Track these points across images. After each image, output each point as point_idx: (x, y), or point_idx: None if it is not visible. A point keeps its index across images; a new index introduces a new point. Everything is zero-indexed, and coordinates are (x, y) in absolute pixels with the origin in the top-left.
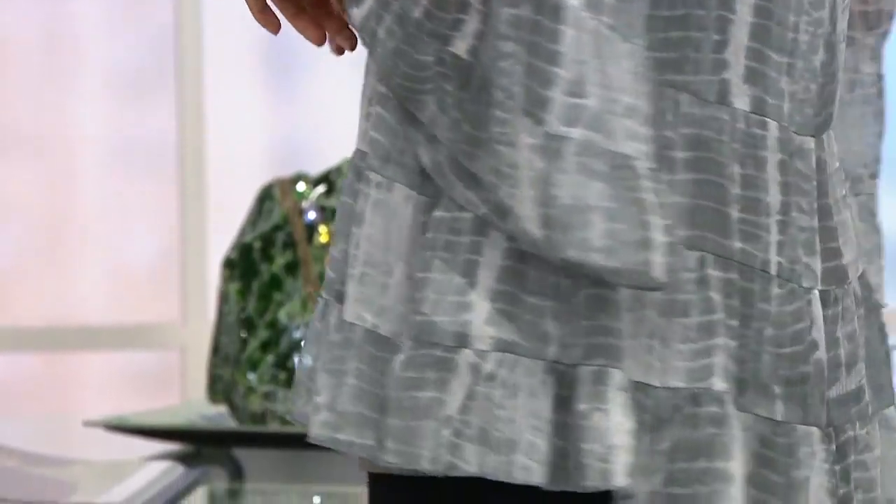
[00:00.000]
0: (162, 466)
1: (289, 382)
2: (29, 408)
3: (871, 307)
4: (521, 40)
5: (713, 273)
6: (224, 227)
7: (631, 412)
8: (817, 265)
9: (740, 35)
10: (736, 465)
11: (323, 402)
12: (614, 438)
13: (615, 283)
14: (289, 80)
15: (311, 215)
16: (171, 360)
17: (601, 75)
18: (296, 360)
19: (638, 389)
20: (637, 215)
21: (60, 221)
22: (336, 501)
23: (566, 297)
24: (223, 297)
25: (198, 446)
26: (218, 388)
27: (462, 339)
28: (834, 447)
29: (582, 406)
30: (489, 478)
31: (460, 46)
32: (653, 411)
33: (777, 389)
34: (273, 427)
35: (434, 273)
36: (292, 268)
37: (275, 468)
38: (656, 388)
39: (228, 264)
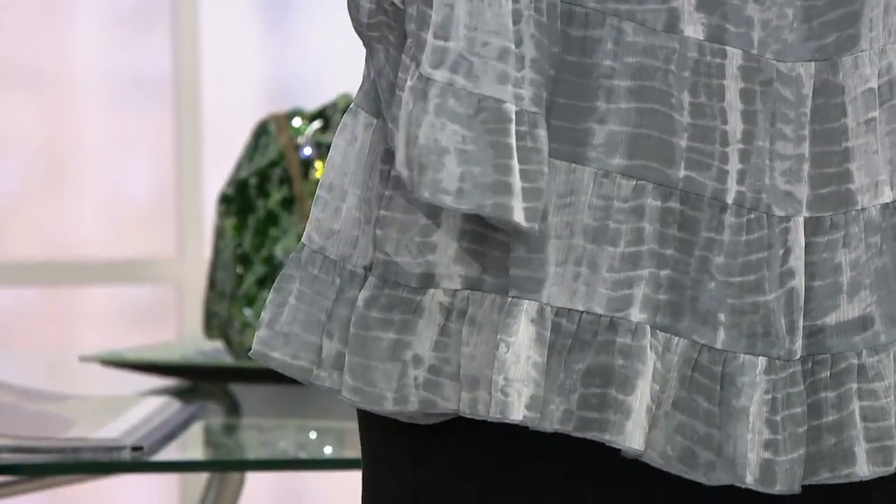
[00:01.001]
0: (158, 402)
1: None
2: (25, 342)
3: None
4: None
5: (650, 202)
6: (220, 162)
7: (539, 345)
8: (802, 192)
9: None
10: (635, 398)
11: (265, 319)
12: (512, 371)
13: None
14: (285, 16)
15: (307, 151)
16: (167, 295)
17: (471, 17)
18: None
19: (561, 315)
20: (493, 159)
21: (57, 156)
22: (332, 436)
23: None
24: (219, 233)
25: (194, 382)
26: (214, 324)
27: (427, 280)
28: (827, 374)
29: (497, 337)
30: (462, 414)
31: None
32: (576, 335)
33: (722, 317)
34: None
35: (398, 213)
36: (288, 203)
37: (271, 403)
38: (581, 312)
39: (224, 200)
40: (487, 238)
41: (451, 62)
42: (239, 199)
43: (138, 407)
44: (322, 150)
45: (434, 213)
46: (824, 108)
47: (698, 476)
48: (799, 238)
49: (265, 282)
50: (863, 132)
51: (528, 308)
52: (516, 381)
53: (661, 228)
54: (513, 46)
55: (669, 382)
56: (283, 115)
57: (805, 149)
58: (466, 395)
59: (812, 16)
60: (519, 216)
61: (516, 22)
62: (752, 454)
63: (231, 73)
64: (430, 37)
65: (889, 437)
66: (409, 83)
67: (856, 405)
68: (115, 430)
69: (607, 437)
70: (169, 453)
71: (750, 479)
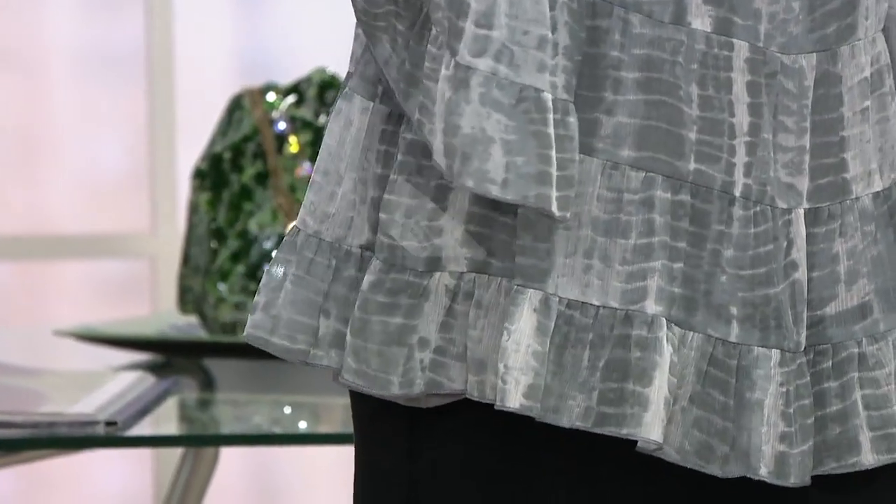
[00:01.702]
0: (133, 376)
1: None
2: None
3: None
4: None
5: (660, 194)
6: (193, 137)
7: (540, 334)
8: (803, 183)
9: None
10: (653, 390)
11: (260, 303)
12: (511, 359)
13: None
14: None
15: (282, 125)
16: (141, 270)
17: (511, 6)
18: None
19: (574, 307)
20: (536, 149)
21: (30, 131)
22: (306, 411)
23: (516, 216)
24: (193, 208)
25: (168, 357)
26: (188, 299)
27: (434, 264)
28: (829, 364)
29: (503, 323)
30: (469, 396)
31: None
32: (595, 329)
33: (734, 311)
34: (243, 337)
35: (404, 197)
36: (262, 178)
37: (245, 378)
38: (597, 306)
39: (198, 175)
40: (494, 221)
41: (495, 51)
42: (213, 174)
43: (112, 382)
44: (296, 124)
45: (442, 196)
46: (824, 99)
47: (714, 470)
48: (800, 230)
49: (239, 256)
50: (858, 121)
51: (531, 297)
52: (514, 369)
53: (672, 221)
54: (550, 34)
55: (686, 378)
56: (257, 89)
57: (806, 140)
58: (474, 379)
59: (815, 6)
60: (555, 206)
61: (552, 8)
62: (766, 447)
63: (204, 47)
64: (470, 25)
65: (892, 425)
66: (443, 72)
67: (858, 394)
68: (89, 405)
69: (624, 432)
70: (143, 428)
71: (764, 472)
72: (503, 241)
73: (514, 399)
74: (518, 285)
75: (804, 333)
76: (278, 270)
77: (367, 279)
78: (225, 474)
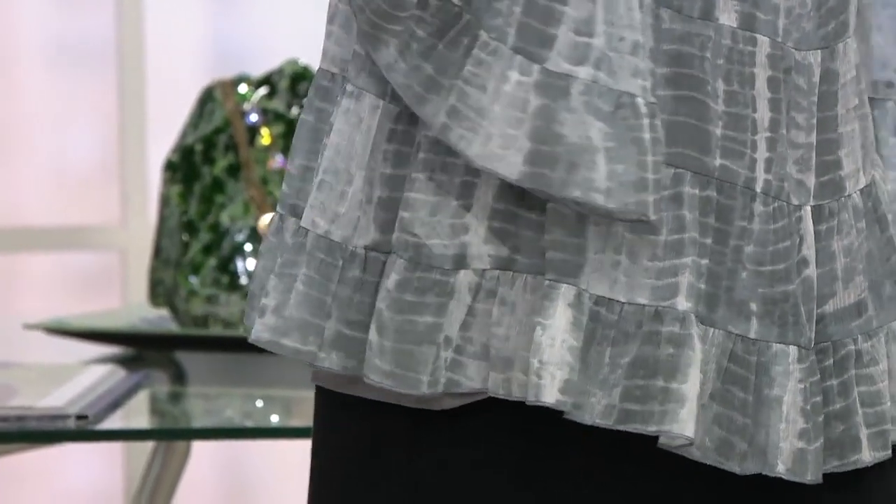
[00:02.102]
0: (103, 370)
1: (231, 286)
2: None
3: (880, 218)
4: None
5: (688, 190)
6: (165, 129)
7: (576, 329)
8: (811, 181)
9: None
10: (689, 386)
11: (270, 306)
12: (547, 354)
13: (613, 220)
14: None
15: (253, 117)
16: (112, 262)
17: (607, 12)
18: (238, 263)
19: (601, 304)
20: (636, 155)
21: (0, 123)
22: (278, 405)
23: (543, 211)
24: (164, 200)
25: (139, 350)
26: (159, 292)
27: (460, 262)
28: (831, 362)
29: (534, 319)
30: (492, 394)
31: None
32: (618, 326)
33: (754, 307)
34: (215, 330)
35: (428, 195)
36: (234, 170)
37: (217, 372)
38: (622, 303)
39: (170, 167)
40: (519, 217)
41: (595, 59)
42: (184, 166)
43: (83, 375)
44: (268, 116)
45: (467, 193)
46: (826, 96)
47: (733, 466)
48: (809, 227)
49: (211, 249)
50: (850, 119)
51: (565, 292)
52: (550, 364)
53: (701, 217)
54: (641, 39)
55: (708, 374)
56: (228, 81)
57: (814, 137)
58: (499, 377)
59: (822, 3)
60: (652, 210)
61: (639, 14)
62: (784, 444)
63: (176, 39)
64: (567, 33)
65: (884, 422)
66: (516, 77)
67: (856, 391)
68: (59, 398)
69: (652, 428)
70: (114, 422)
71: (781, 469)
72: (529, 237)
73: (550, 394)
74: (551, 280)
75: (814, 330)
76: (287, 272)
77: (393, 278)
78: (196, 468)
